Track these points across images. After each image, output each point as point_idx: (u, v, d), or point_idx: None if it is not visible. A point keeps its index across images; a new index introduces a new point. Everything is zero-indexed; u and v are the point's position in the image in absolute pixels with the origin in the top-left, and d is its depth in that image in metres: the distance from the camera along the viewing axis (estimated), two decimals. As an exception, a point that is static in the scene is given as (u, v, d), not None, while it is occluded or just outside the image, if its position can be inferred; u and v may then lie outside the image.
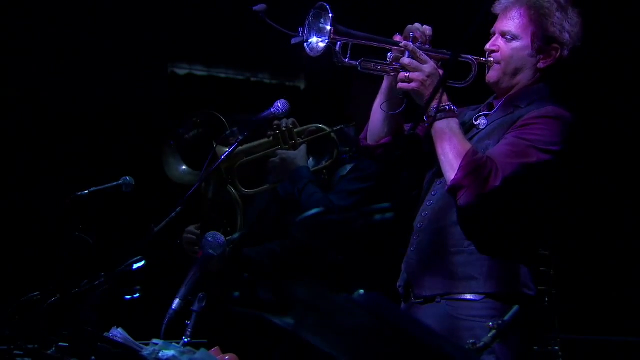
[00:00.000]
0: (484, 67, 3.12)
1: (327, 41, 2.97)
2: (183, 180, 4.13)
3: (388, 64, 3.06)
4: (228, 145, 3.83)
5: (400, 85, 3.01)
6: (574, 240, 4.74)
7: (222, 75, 6.15)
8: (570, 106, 3.04)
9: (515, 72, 3.09)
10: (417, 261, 3.10)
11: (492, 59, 3.10)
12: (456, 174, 2.87)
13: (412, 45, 3.00)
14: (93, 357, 2.60)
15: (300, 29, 3.07)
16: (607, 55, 4.86)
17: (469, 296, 2.96)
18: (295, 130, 4.02)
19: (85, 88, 5.49)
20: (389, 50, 3.08)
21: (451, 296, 2.99)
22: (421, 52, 2.99)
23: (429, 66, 2.97)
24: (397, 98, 3.11)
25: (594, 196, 4.97)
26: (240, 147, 3.91)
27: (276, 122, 4.01)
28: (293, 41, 3.45)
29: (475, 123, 3.14)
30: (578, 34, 3.07)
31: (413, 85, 2.97)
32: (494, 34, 3.12)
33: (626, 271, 4.92)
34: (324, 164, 4.10)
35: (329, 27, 2.97)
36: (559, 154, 2.94)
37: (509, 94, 3.12)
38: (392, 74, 3.07)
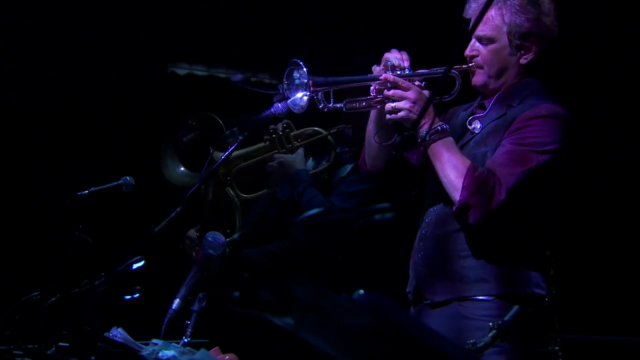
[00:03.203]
0: (467, 73, 3.11)
1: (308, 95, 3.00)
2: (181, 181, 4.14)
3: (372, 98, 3.07)
4: (227, 146, 3.84)
5: (388, 116, 3.01)
6: (574, 240, 4.74)
7: (222, 75, 6.15)
8: (563, 99, 3.03)
9: (500, 73, 3.08)
10: (425, 267, 3.08)
11: (473, 64, 3.09)
12: (461, 195, 2.87)
13: (392, 76, 2.99)
14: (93, 357, 2.60)
15: (280, 86, 3.10)
16: (595, 47, 4.87)
17: (480, 297, 2.96)
18: (291, 133, 4.03)
19: (85, 88, 5.49)
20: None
21: (464, 298, 2.99)
22: (402, 79, 2.99)
23: (413, 92, 2.96)
24: (389, 126, 3.11)
25: (594, 195, 4.97)
26: (237, 152, 3.92)
27: (272, 126, 4.02)
28: (275, 99, 3.54)
29: (470, 127, 3.12)
30: (553, 22, 3.06)
31: (401, 114, 2.97)
32: (471, 39, 3.11)
33: (626, 271, 4.91)
34: (323, 165, 4.11)
35: (306, 81, 3.00)
36: (559, 152, 2.93)
37: (498, 93, 3.11)
38: (379, 106, 3.07)
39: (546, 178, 2.94)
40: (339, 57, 5.08)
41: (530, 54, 3.06)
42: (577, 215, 4.72)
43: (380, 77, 3.01)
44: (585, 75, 4.88)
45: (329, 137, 4.04)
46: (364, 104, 3.08)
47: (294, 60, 3.04)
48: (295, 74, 3.05)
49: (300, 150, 4.06)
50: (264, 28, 5.71)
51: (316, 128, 4.05)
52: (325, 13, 5.58)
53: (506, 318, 2.47)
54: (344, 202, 3.92)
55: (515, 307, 2.51)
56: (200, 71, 6.13)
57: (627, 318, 4.78)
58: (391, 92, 2.98)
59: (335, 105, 3.07)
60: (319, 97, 3.04)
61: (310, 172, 4.05)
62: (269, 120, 3.90)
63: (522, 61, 3.07)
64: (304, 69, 3.00)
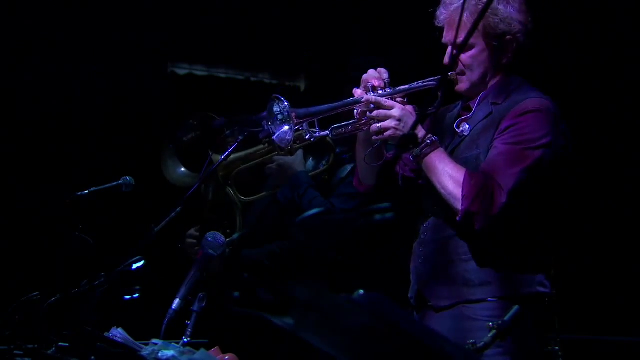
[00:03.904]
0: (449, 81, 3.09)
1: (292, 128, 3.00)
2: (181, 182, 4.15)
3: (358, 121, 3.06)
4: (227, 146, 3.85)
5: (375, 137, 3.00)
6: (574, 239, 4.74)
7: (222, 75, 6.15)
8: (548, 92, 3.03)
9: (482, 76, 3.08)
10: (427, 272, 3.08)
11: (454, 73, 3.08)
12: (462, 205, 2.86)
13: (373, 97, 2.99)
14: (93, 357, 2.61)
15: (264, 123, 3.09)
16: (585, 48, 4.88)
17: (485, 299, 2.96)
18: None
19: (86, 88, 5.49)
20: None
21: (468, 302, 2.99)
22: (384, 99, 2.99)
23: (397, 110, 2.96)
24: (377, 146, 3.11)
25: (593, 194, 4.96)
26: (236, 155, 3.92)
27: None
28: (261, 136, 3.54)
29: (458, 130, 3.11)
30: (526, 17, 3.06)
31: (388, 133, 2.97)
32: (447, 46, 3.08)
33: (626, 271, 4.91)
34: (323, 165, 4.11)
35: (287, 114, 2.99)
36: (551, 144, 2.92)
37: (482, 93, 3.10)
38: (365, 127, 3.06)
39: (544, 172, 2.93)
40: (338, 57, 5.08)
41: (509, 52, 3.06)
42: (576, 215, 4.72)
43: (362, 100, 3.01)
44: (573, 70, 4.89)
45: (328, 138, 4.04)
46: (350, 128, 3.08)
47: (274, 95, 3.04)
48: (276, 109, 3.03)
49: (300, 152, 4.05)
50: (264, 28, 5.71)
51: (315, 129, 4.05)
52: (325, 13, 5.58)
53: (506, 318, 2.47)
54: (344, 204, 3.91)
55: (515, 307, 2.51)
56: (200, 71, 6.13)
57: (627, 318, 4.78)
58: (375, 113, 2.98)
59: (321, 133, 3.07)
60: (304, 127, 3.04)
61: (310, 174, 4.04)
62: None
63: (503, 60, 3.07)
64: (285, 103, 2.99)
